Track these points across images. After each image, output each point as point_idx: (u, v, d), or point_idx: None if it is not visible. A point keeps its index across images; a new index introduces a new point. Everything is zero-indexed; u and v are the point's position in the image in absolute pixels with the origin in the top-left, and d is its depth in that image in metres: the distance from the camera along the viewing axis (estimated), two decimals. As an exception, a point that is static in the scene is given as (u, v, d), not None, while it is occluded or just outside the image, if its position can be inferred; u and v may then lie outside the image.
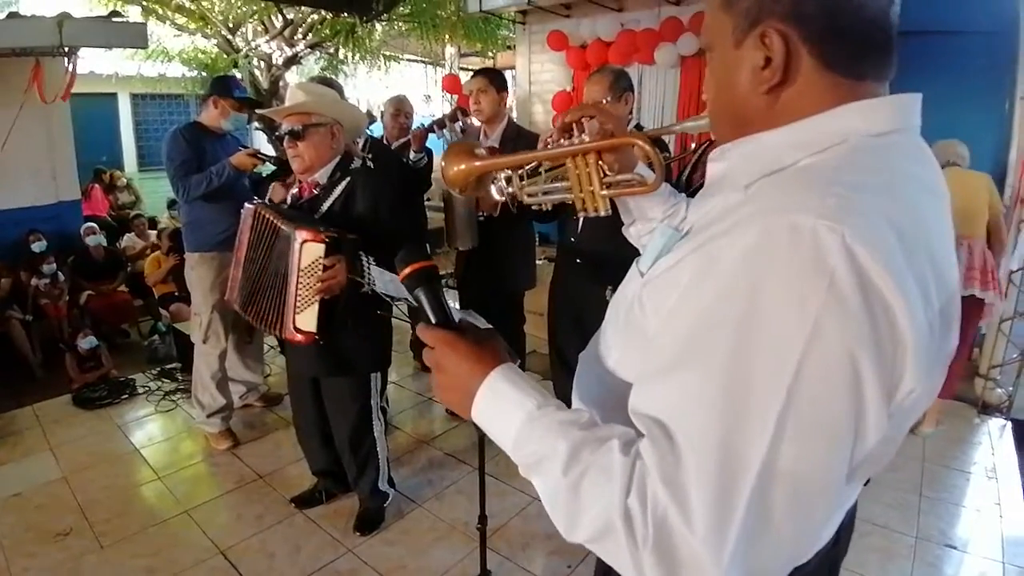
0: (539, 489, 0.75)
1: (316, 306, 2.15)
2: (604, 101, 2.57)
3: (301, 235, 2.10)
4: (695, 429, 0.63)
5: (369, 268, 2.16)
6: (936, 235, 0.70)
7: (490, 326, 0.91)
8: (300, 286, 2.14)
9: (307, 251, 2.10)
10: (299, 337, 2.19)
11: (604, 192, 1.10)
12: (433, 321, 0.89)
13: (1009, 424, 3.67)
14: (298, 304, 2.16)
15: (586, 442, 0.70)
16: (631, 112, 2.71)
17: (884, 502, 2.87)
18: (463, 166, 1.22)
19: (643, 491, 0.64)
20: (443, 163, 1.25)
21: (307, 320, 2.17)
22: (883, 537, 2.67)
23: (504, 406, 0.79)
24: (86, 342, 4.31)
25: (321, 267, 2.11)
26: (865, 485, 0.88)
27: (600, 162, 1.10)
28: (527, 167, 1.24)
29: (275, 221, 2.22)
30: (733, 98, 0.79)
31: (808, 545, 0.69)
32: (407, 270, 0.90)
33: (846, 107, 0.72)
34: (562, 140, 1.15)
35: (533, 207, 1.30)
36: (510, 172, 1.25)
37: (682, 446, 0.63)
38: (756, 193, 0.72)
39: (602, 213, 1.11)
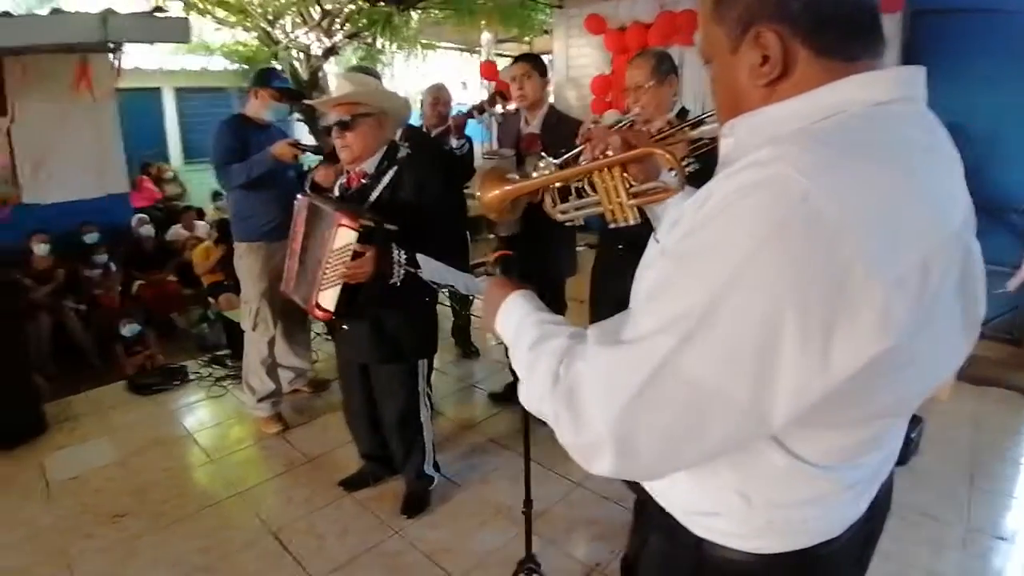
0: (516, 368, 0.91)
1: (338, 288, 2.21)
2: (647, 85, 2.54)
3: (339, 218, 2.16)
4: (637, 317, 0.75)
5: (402, 263, 2.20)
6: (927, 192, 0.72)
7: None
8: (328, 265, 2.19)
9: (341, 234, 2.16)
10: (318, 313, 2.27)
11: (631, 202, 1.17)
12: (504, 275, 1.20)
13: (1063, 414, 3.56)
14: (323, 282, 2.22)
15: (551, 332, 0.89)
16: (675, 95, 2.66)
17: (933, 491, 2.82)
18: (496, 192, 1.31)
19: (572, 360, 0.79)
20: (478, 191, 1.35)
21: (328, 299, 2.25)
22: (932, 527, 2.62)
23: (511, 310, 1.01)
24: (128, 329, 4.45)
25: (351, 253, 2.16)
26: (901, 464, 0.92)
27: (625, 174, 1.17)
28: (558, 184, 1.30)
29: (323, 207, 2.27)
30: (737, 98, 0.84)
31: (697, 450, 0.73)
32: (496, 254, 1.30)
33: (848, 79, 0.76)
34: (587, 156, 1.25)
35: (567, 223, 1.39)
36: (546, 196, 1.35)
37: (624, 328, 0.76)
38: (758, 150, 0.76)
39: (632, 222, 1.18)
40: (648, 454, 0.73)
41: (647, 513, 1.03)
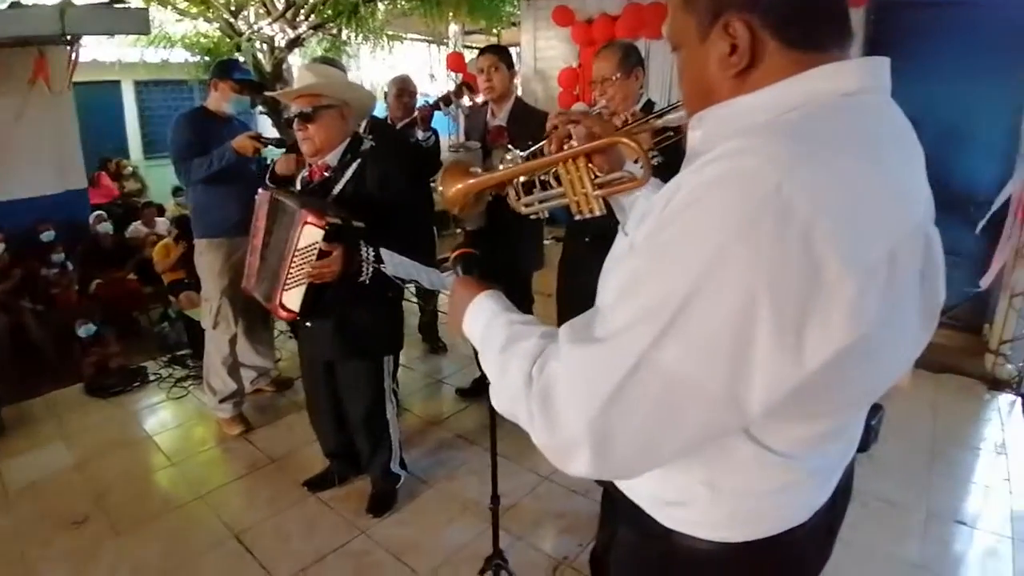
0: (487, 370, 0.89)
1: (303, 288, 2.16)
2: (614, 77, 2.54)
3: (304, 215, 2.09)
4: (609, 313, 0.74)
5: (370, 259, 2.16)
6: (893, 183, 0.74)
7: None
8: (293, 264, 2.13)
9: (306, 232, 2.10)
10: (282, 313, 2.22)
11: (597, 192, 1.15)
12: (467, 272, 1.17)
13: (1019, 400, 3.65)
14: (287, 282, 2.16)
15: (521, 333, 0.86)
16: (641, 88, 2.66)
17: (893, 478, 2.87)
18: (459, 186, 1.29)
19: (544, 361, 0.77)
20: (440, 184, 1.33)
21: (293, 299, 2.19)
22: (893, 513, 2.68)
23: (478, 311, 0.98)
24: (84, 330, 4.34)
25: (317, 251, 2.10)
26: (862, 452, 0.94)
27: (590, 164, 1.16)
28: (522, 177, 1.29)
29: (285, 201, 2.21)
30: (705, 87, 0.84)
31: (672, 444, 0.73)
32: (455, 253, 1.21)
33: (813, 71, 0.76)
34: (551, 148, 1.22)
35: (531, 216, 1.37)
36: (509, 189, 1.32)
37: (594, 324, 0.75)
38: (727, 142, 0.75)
39: (597, 213, 1.17)
40: (626, 452, 0.72)
41: (615, 505, 1.04)
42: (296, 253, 2.12)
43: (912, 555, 2.46)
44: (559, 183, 1.21)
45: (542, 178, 1.29)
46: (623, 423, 0.70)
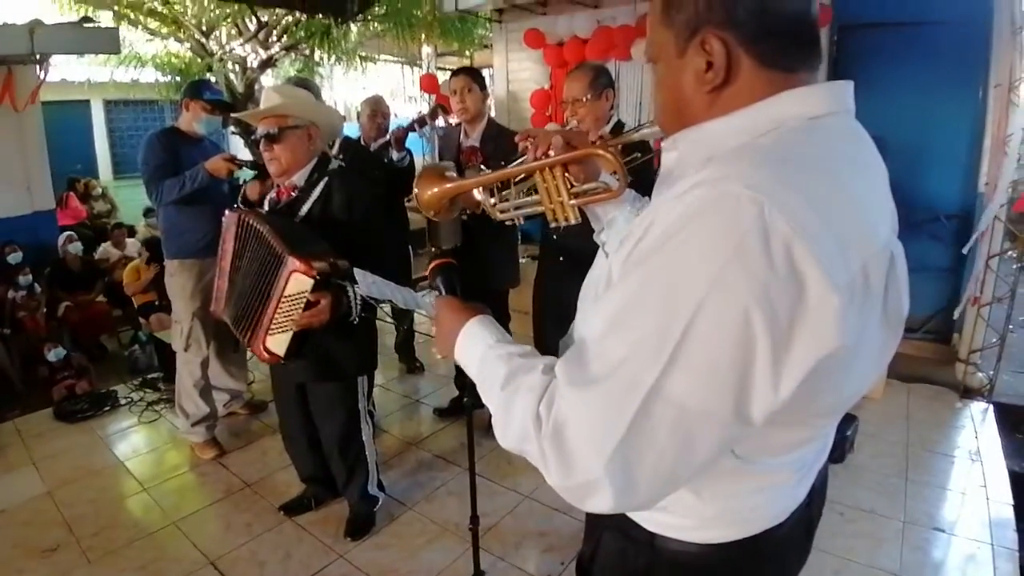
0: (489, 406, 0.88)
1: (290, 334, 2.11)
2: (584, 98, 2.56)
3: (293, 263, 2.00)
4: (605, 347, 0.74)
5: (358, 298, 2.13)
6: (861, 201, 0.78)
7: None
8: (279, 311, 2.07)
9: (295, 280, 2.02)
10: (265, 356, 2.15)
11: (573, 202, 1.17)
12: (443, 294, 1.16)
13: (991, 407, 3.72)
14: (272, 327, 2.10)
15: (522, 367, 0.85)
16: (612, 108, 2.69)
17: (870, 487, 2.90)
18: (435, 189, 1.30)
19: (551, 399, 0.77)
20: (416, 189, 1.32)
21: (278, 344, 2.13)
22: (870, 522, 2.70)
23: (472, 342, 0.98)
24: (53, 354, 4.26)
25: (305, 300, 2.05)
26: (837, 462, 0.97)
27: (566, 174, 1.17)
28: (498, 183, 1.29)
29: (265, 235, 2.11)
30: (679, 101, 0.86)
31: (690, 469, 0.74)
32: (433, 265, 1.20)
33: (784, 94, 0.79)
34: (529, 156, 1.22)
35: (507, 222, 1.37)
36: (482, 193, 1.32)
37: (591, 359, 0.74)
38: (703, 168, 0.77)
39: (572, 222, 1.18)
40: (646, 485, 0.73)
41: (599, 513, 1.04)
42: (283, 300, 2.05)
43: (891, 563, 2.47)
44: (536, 192, 1.23)
45: (519, 188, 1.29)
46: (639, 459, 0.71)
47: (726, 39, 0.79)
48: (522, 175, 1.25)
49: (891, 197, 0.87)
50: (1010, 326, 3.85)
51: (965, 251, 3.76)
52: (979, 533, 2.65)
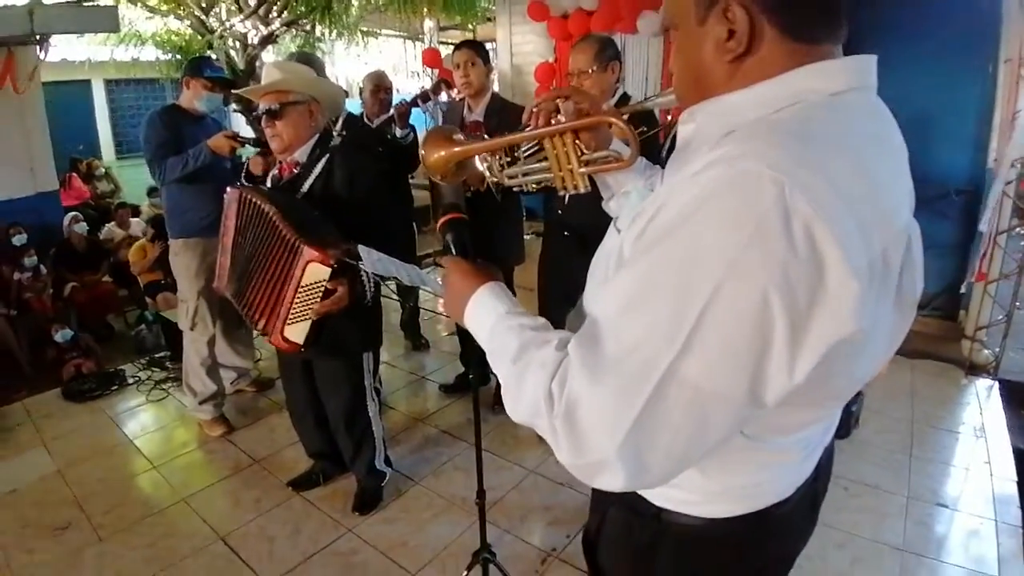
0: (499, 377, 0.86)
1: (308, 323, 2.10)
2: (590, 70, 2.53)
3: (309, 254, 1.99)
4: (619, 327, 0.72)
5: (372, 281, 2.12)
6: (883, 182, 0.75)
7: None
8: (297, 300, 2.06)
9: (311, 270, 2.01)
10: (284, 345, 2.14)
11: (582, 170, 1.13)
12: (455, 253, 1.13)
13: (996, 384, 3.72)
14: (290, 317, 2.09)
15: (534, 340, 0.83)
16: (618, 81, 2.66)
17: (874, 462, 2.91)
18: (442, 152, 1.25)
19: (564, 377, 0.75)
20: (422, 151, 1.28)
21: (296, 333, 2.12)
22: (874, 497, 2.71)
23: (483, 311, 0.95)
24: (61, 335, 4.29)
25: (323, 289, 2.04)
26: (843, 438, 0.97)
27: (577, 141, 1.13)
28: (506, 149, 1.26)
29: (272, 217, 2.09)
30: (699, 70, 0.84)
31: (702, 450, 0.73)
32: (444, 218, 1.15)
33: (804, 68, 0.76)
34: (539, 122, 1.18)
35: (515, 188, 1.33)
36: (489, 159, 1.28)
37: (604, 339, 0.73)
38: (721, 144, 0.75)
39: (581, 190, 1.14)
40: (658, 466, 0.73)
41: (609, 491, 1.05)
42: (300, 290, 2.04)
43: (895, 538, 2.49)
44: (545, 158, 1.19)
45: (527, 154, 1.26)
46: (652, 441, 0.70)
47: (749, 7, 0.76)
48: (531, 141, 1.21)
49: (910, 176, 0.85)
50: (1017, 303, 3.83)
51: (982, 227, 3.72)
52: (983, 509, 2.66)
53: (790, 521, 0.99)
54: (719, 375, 0.68)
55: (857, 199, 0.69)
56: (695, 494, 0.93)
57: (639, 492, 0.98)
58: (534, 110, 1.21)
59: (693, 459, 0.75)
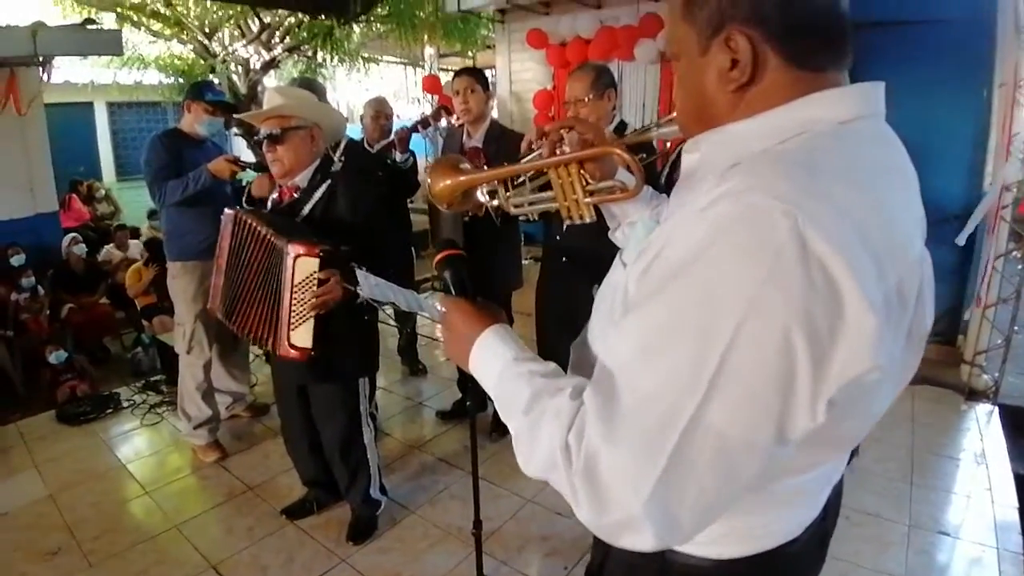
0: (510, 427, 0.83)
1: (311, 322, 2.11)
2: (586, 98, 2.55)
3: (294, 249, 2.04)
4: (635, 376, 0.70)
5: (367, 279, 2.13)
6: (895, 212, 0.74)
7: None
8: (295, 302, 2.08)
9: (300, 266, 2.05)
10: (294, 353, 2.14)
11: (588, 200, 1.13)
12: (453, 292, 1.08)
13: (996, 409, 3.69)
14: (293, 320, 2.10)
15: (546, 389, 0.80)
16: (614, 108, 2.68)
17: (875, 491, 2.88)
18: (448, 181, 1.26)
19: (581, 429, 0.71)
20: (428, 179, 1.28)
21: (302, 336, 2.13)
22: (876, 526, 2.68)
23: (489, 355, 0.92)
24: (55, 356, 4.27)
25: (316, 282, 2.06)
26: (848, 464, 0.99)
27: (582, 171, 1.13)
28: (511, 179, 1.26)
29: (261, 230, 2.15)
30: (702, 100, 0.82)
31: (732, 498, 0.71)
32: (441, 255, 1.10)
33: (810, 97, 0.75)
34: (543, 152, 1.18)
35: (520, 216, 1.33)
36: (495, 186, 1.28)
37: (621, 389, 0.70)
38: (726, 177, 0.74)
39: (587, 220, 1.14)
40: (689, 520, 0.70)
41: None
42: (295, 289, 2.07)
43: (897, 567, 2.46)
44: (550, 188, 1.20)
45: (533, 185, 1.27)
46: (681, 495, 0.67)
47: (752, 36, 0.75)
48: (536, 171, 1.21)
49: (921, 204, 0.83)
50: (1015, 327, 3.83)
51: (959, 242, 3.74)
52: (984, 537, 2.63)
53: (799, 560, 0.96)
54: (745, 420, 0.66)
55: (870, 230, 0.67)
56: (701, 535, 0.88)
57: None
58: (535, 140, 1.22)
59: (723, 508, 0.72)
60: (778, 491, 0.86)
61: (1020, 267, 4.01)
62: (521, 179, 1.28)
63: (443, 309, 1.04)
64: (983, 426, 3.55)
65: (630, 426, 0.68)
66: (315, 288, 2.06)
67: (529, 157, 1.27)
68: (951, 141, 4.09)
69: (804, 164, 0.70)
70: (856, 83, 0.79)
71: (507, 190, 1.28)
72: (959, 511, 2.82)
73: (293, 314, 2.10)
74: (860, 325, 0.63)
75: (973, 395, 3.83)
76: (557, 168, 1.14)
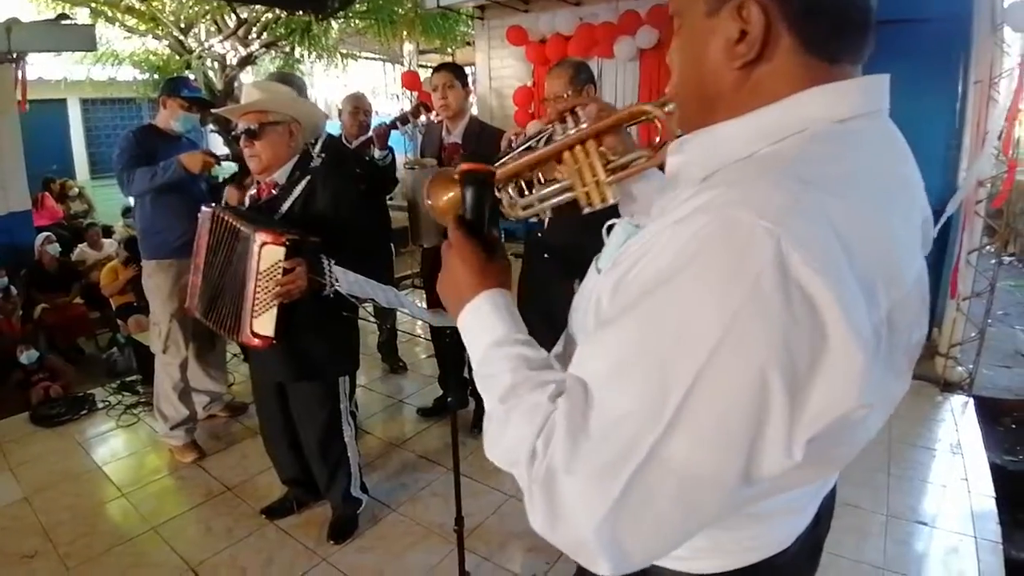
0: (485, 403, 0.80)
1: (274, 310, 2.10)
2: (565, 95, 2.55)
3: (260, 237, 2.05)
4: (604, 396, 0.65)
5: (331, 270, 2.11)
6: (895, 229, 0.67)
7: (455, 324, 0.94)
8: (259, 289, 2.08)
9: (266, 253, 2.05)
10: (256, 342, 2.14)
11: (610, 179, 1.04)
12: (467, 217, 0.92)
13: (971, 400, 3.76)
14: (256, 308, 2.10)
15: (528, 381, 0.75)
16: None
17: (853, 481, 2.91)
18: (451, 194, 1.17)
19: (549, 437, 0.67)
20: (429, 200, 1.20)
21: (265, 324, 2.12)
22: (854, 516, 2.70)
23: (480, 327, 0.85)
24: (26, 356, 4.21)
25: (281, 270, 2.05)
26: None
27: (600, 147, 1.05)
28: (520, 179, 1.17)
29: (234, 223, 2.15)
30: (702, 73, 0.75)
31: (690, 533, 0.68)
32: (464, 166, 0.92)
33: (807, 92, 0.69)
34: (555, 131, 1.10)
35: (530, 219, 1.23)
36: (500, 193, 1.18)
37: (590, 408, 0.65)
38: (709, 184, 0.69)
39: (611, 202, 1.06)
40: (640, 552, 0.66)
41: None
42: (260, 276, 2.07)
43: (876, 556, 2.48)
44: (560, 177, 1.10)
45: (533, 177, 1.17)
46: (633, 527, 0.63)
47: (768, 8, 0.67)
48: (549, 157, 1.11)
49: (925, 208, 0.78)
50: (989, 320, 3.89)
51: (948, 211, 3.77)
52: (962, 526, 2.67)
53: (788, 571, 0.91)
54: (708, 456, 0.61)
55: (863, 252, 0.61)
56: (683, 550, 0.82)
57: None
58: (514, 136, 1.16)
59: (681, 540, 0.68)
60: (765, 507, 0.81)
61: (994, 261, 4.08)
62: (528, 178, 1.18)
63: (449, 238, 0.92)
64: (958, 417, 3.61)
65: (592, 449, 0.64)
66: (279, 276, 2.06)
67: (536, 139, 1.16)
68: (928, 138, 4.14)
69: (793, 175, 0.63)
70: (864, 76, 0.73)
71: (512, 196, 1.18)
72: (936, 501, 2.86)
73: (257, 302, 2.09)
74: (845, 362, 0.58)
75: (948, 387, 3.89)
76: (573, 149, 1.05)
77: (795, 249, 0.56)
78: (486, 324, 0.85)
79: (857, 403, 0.60)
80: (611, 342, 0.67)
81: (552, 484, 0.65)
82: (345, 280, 1.80)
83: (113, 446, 3.59)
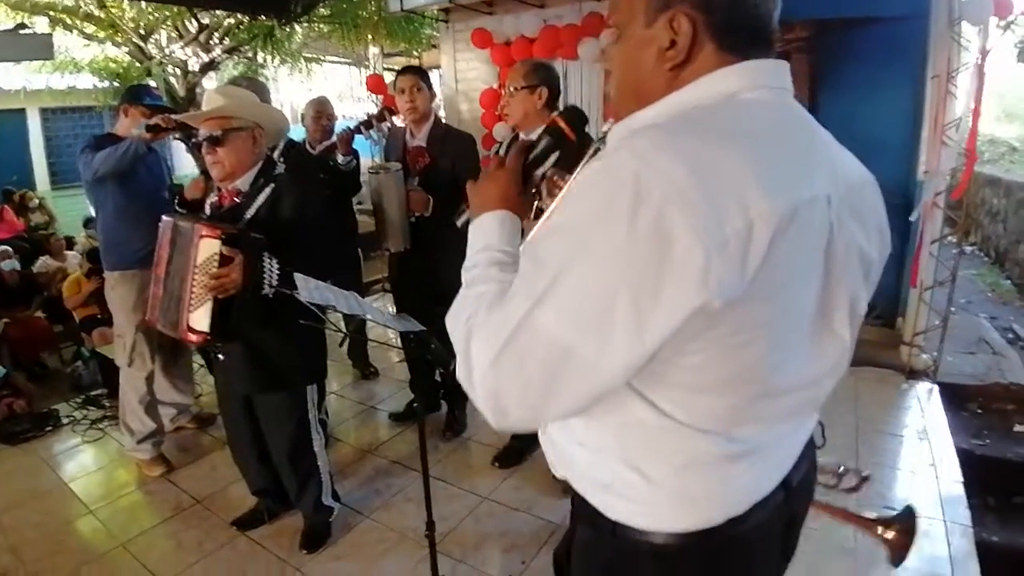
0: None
1: (209, 304, 2.07)
2: (512, 88, 2.58)
3: (199, 230, 2.05)
4: (515, 281, 0.82)
5: (274, 270, 2.10)
6: (770, 163, 0.76)
7: (424, 328, 1.10)
8: (195, 283, 2.06)
9: (203, 246, 2.04)
10: (193, 337, 2.13)
11: None
12: (529, 157, 1.16)
13: (936, 388, 3.84)
14: (192, 302, 2.08)
15: (489, 278, 0.93)
16: (546, 107, 2.64)
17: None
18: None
19: (477, 311, 0.85)
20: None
21: (200, 319, 2.10)
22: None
23: (485, 231, 1.05)
24: (-13, 373, 4.11)
25: (216, 263, 2.04)
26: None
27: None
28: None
29: (181, 222, 2.14)
30: (638, 74, 0.89)
31: (560, 405, 0.81)
32: (556, 116, 1.18)
33: (707, 76, 0.84)
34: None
35: None
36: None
37: (507, 291, 0.83)
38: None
39: None
40: (516, 407, 0.80)
41: (575, 504, 1.07)
42: (196, 269, 2.05)
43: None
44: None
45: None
46: (508, 381, 0.78)
47: (696, 20, 0.82)
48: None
49: (839, 161, 0.89)
50: (952, 308, 3.98)
51: (912, 219, 3.88)
52: (931, 511, 2.72)
53: (750, 545, 0.96)
54: (567, 330, 0.75)
55: (717, 180, 0.72)
56: (638, 503, 0.92)
57: (596, 507, 0.97)
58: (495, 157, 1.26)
59: (551, 409, 0.81)
60: (690, 439, 0.87)
61: (955, 251, 4.18)
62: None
63: (506, 160, 1.14)
64: (924, 404, 3.69)
65: (493, 317, 0.81)
66: (215, 269, 2.04)
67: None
68: (887, 130, 4.23)
69: (668, 128, 0.80)
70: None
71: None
72: (905, 486, 2.92)
73: (193, 295, 2.08)
74: (687, 255, 0.69)
75: (913, 374, 3.98)
76: None
77: (651, 177, 0.71)
78: (489, 231, 1.05)
79: (707, 296, 0.71)
80: (528, 249, 0.83)
81: (468, 343, 0.82)
82: (305, 287, 1.77)
83: (80, 462, 3.52)
